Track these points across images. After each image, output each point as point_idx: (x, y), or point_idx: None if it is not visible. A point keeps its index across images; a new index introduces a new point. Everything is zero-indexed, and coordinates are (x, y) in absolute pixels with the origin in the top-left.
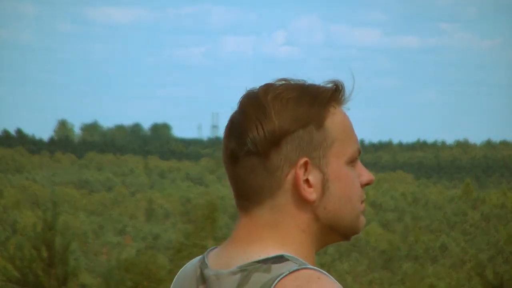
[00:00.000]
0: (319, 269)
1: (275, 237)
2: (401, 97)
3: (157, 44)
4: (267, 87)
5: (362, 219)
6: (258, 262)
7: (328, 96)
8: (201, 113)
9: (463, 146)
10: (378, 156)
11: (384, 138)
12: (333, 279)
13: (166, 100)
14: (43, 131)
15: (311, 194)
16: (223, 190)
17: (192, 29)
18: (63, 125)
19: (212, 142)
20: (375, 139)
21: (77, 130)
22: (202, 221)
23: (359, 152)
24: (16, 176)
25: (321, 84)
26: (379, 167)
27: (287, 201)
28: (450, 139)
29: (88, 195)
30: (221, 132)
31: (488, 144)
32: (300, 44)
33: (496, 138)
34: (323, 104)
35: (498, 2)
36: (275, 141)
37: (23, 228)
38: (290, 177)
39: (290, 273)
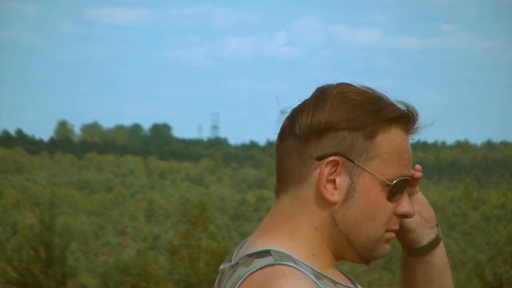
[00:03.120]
0: (298, 267)
1: (286, 229)
2: (401, 98)
3: (158, 45)
4: (341, 83)
5: (384, 247)
6: (249, 255)
7: (394, 116)
8: (201, 113)
9: (463, 146)
10: None
11: None
12: (305, 279)
13: (166, 100)
14: (43, 131)
15: (332, 195)
16: (223, 190)
17: (193, 30)
18: (63, 125)
19: (212, 142)
20: None
21: (77, 131)
22: (194, 222)
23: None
24: (16, 176)
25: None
26: None
27: (309, 194)
28: (450, 140)
29: (88, 196)
30: (221, 133)
31: (489, 144)
32: (300, 45)
33: (497, 138)
34: (383, 119)
35: (498, 3)
36: (319, 131)
37: (23, 229)
38: (317, 170)
39: (261, 268)
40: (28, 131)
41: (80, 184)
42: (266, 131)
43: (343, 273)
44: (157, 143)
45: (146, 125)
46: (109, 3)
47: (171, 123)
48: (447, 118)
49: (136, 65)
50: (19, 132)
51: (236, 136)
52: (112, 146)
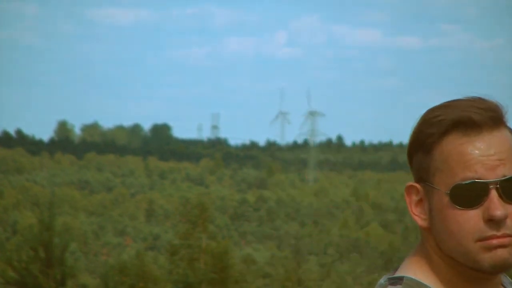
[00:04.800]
0: None
1: (422, 256)
2: (401, 97)
3: (159, 45)
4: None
5: (488, 257)
6: (389, 278)
7: (448, 123)
8: (201, 113)
9: None
10: (379, 157)
11: (385, 139)
12: None
13: (166, 100)
14: (43, 131)
15: (423, 220)
16: (223, 190)
17: (194, 30)
18: (63, 125)
19: (212, 142)
20: (375, 140)
21: (77, 131)
22: (194, 222)
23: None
24: (16, 176)
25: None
26: (379, 168)
27: None
28: None
29: (88, 196)
30: (221, 133)
31: None
32: (301, 45)
33: None
34: (438, 130)
35: (498, 3)
36: (410, 162)
37: (23, 229)
38: None
39: None
40: (28, 131)
41: (80, 184)
42: (266, 131)
43: None
44: (157, 143)
45: (146, 125)
46: (109, 3)
47: (171, 123)
48: None
49: (136, 65)
50: (19, 132)
51: (236, 136)
52: (112, 146)
